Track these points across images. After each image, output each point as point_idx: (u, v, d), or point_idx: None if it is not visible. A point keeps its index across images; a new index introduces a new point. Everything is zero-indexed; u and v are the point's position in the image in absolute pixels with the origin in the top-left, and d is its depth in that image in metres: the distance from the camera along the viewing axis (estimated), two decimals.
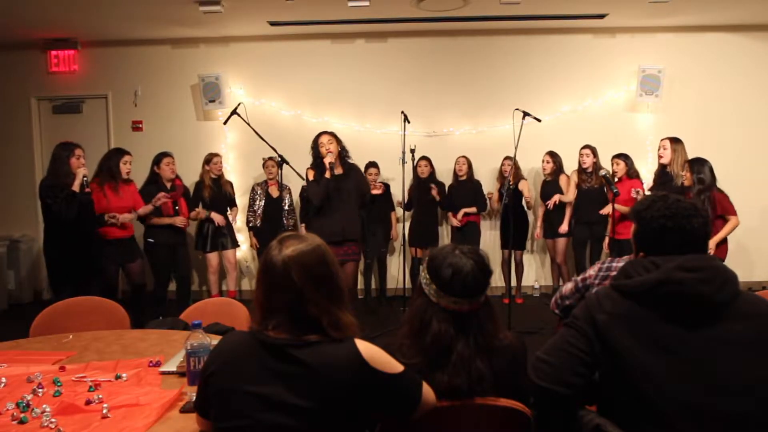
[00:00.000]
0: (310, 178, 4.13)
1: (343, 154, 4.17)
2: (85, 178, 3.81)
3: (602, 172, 4.49)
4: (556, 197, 5.16)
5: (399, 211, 5.71)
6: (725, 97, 5.83)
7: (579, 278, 2.13)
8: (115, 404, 1.63)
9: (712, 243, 3.92)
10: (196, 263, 6.01)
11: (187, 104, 6.05)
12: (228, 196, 5.30)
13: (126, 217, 4.27)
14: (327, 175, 4.00)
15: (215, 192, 5.17)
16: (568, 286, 2.17)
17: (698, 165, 3.98)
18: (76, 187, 3.76)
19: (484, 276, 1.53)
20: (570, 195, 5.21)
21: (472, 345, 1.49)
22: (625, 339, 1.36)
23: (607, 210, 4.80)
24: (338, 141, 4.15)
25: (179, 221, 4.65)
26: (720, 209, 3.89)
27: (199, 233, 5.20)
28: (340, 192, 4.08)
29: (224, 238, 5.26)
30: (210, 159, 5.23)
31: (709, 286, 1.35)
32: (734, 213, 3.94)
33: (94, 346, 2.21)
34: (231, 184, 5.43)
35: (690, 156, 4.45)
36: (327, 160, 4.00)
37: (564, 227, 5.24)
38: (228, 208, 5.31)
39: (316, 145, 4.13)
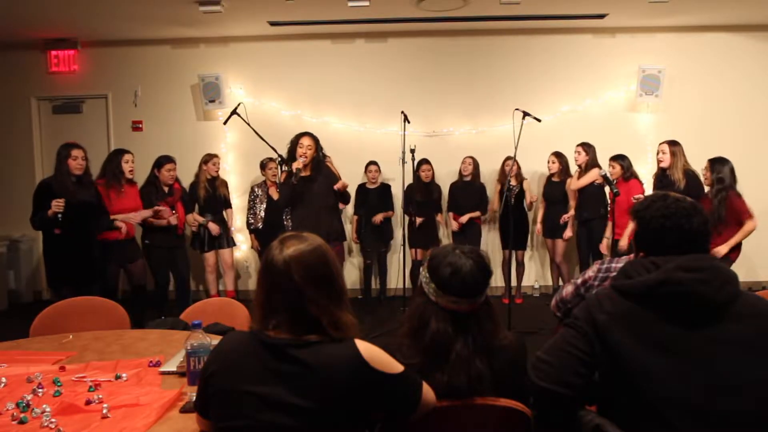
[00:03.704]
0: (281, 179, 4.13)
1: (317, 159, 4.12)
2: (59, 215, 3.68)
3: (602, 172, 4.48)
4: (567, 217, 5.16)
5: (398, 211, 5.72)
6: (725, 97, 5.83)
7: (579, 281, 2.12)
8: (115, 404, 1.63)
9: (725, 248, 3.84)
10: (195, 264, 6.01)
11: (187, 104, 6.05)
12: (223, 198, 5.26)
13: (131, 216, 4.27)
14: (293, 180, 3.97)
15: (210, 193, 5.13)
16: (568, 289, 2.16)
17: (718, 164, 3.94)
18: (50, 213, 3.69)
19: (483, 276, 1.53)
20: (574, 185, 5.20)
21: (471, 345, 1.49)
22: (625, 339, 1.35)
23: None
24: (318, 147, 4.12)
25: (173, 220, 4.60)
26: (734, 212, 3.83)
27: (196, 234, 5.21)
28: (307, 195, 4.06)
29: (220, 238, 5.25)
30: (209, 159, 5.19)
31: (709, 286, 1.35)
32: (749, 216, 3.83)
33: (94, 346, 2.21)
34: (226, 185, 5.39)
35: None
36: (295, 165, 3.97)
37: (568, 233, 5.23)
38: (223, 210, 5.30)
39: (295, 143, 4.10)
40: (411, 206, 5.23)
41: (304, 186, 4.06)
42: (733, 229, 3.87)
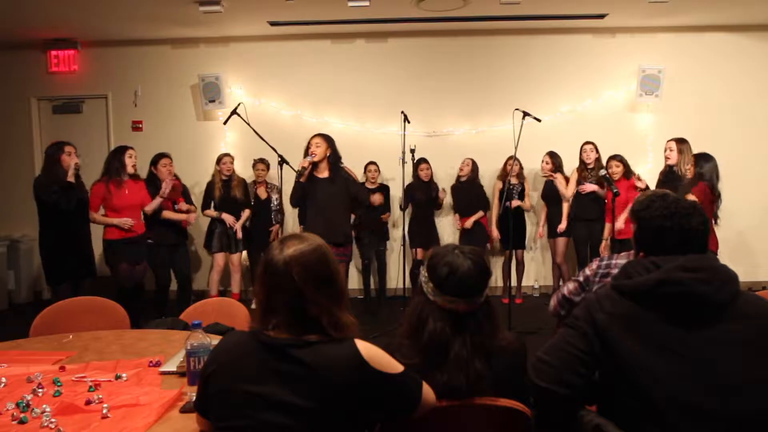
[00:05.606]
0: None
1: (332, 158, 4.14)
2: (77, 168, 3.82)
3: (602, 172, 4.49)
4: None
5: (396, 212, 5.71)
6: (725, 97, 5.83)
7: (581, 278, 2.11)
8: (115, 404, 1.62)
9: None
10: (197, 263, 6.01)
11: (187, 104, 6.05)
12: (236, 199, 5.22)
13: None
14: (302, 178, 4.03)
15: (224, 194, 5.15)
16: (569, 287, 2.14)
17: (702, 160, 4.00)
18: (70, 178, 3.79)
19: (481, 277, 1.52)
20: (569, 191, 5.20)
21: (470, 345, 1.48)
22: (625, 339, 1.35)
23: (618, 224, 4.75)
24: (329, 145, 4.13)
25: (192, 217, 4.69)
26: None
27: (209, 233, 5.21)
28: (326, 196, 4.09)
29: (231, 240, 5.23)
30: (220, 159, 5.22)
31: (709, 286, 1.35)
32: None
33: (94, 346, 2.21)
34: (244, 185, 5.33)
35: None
36: (300, 164, 4.04)
37: (562, 226, 5.24)
38: (240, 211, 5.26)
39: (307, 146, 4.16)
40: (408, 203, 5.23)
41: (322, 187, 4.09)
42: None
